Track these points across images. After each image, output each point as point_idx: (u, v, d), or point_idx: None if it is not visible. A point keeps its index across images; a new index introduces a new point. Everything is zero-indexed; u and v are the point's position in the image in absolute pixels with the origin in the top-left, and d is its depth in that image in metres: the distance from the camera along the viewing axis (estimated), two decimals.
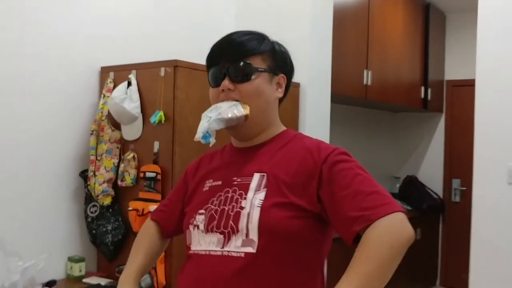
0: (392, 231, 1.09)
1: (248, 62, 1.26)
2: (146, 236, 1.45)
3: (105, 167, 2.49)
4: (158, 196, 2.37)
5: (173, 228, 1.42)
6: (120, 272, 2.36)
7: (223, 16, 3.33)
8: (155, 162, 2.41)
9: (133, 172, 2.46)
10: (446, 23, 5.32)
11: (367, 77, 4.03)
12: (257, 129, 1.30)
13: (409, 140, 5.58)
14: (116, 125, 2.54)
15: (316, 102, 3.19)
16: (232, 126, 1.26)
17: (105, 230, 2.52)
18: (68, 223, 2.58)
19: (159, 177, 2.38)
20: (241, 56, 1.26)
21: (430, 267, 5.33)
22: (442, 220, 5.34)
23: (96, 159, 2.51)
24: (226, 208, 1.23)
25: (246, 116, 1.25)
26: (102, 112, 2.54)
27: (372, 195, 1.14)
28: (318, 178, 1.20)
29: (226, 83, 1.26)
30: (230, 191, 1.26)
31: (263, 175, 1.23)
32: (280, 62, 1.33)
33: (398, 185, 5.31)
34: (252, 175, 1.25)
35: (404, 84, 4.69)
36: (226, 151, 1.40)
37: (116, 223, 2.52)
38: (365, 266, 1.07)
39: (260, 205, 1.19)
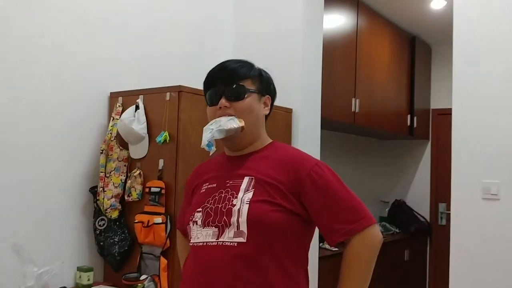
0: (367, 246, 1.43)
1: (241, 84, 1.52)
2: (181, 244, 1.78)
3: (113, 183, 2.70)
4: (162, 209, 2.57)
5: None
6: (127, 279, 2.57)
7: (222, 46, 3.60)
8: (159, 178, 2.63)
9: (139, 187, 2.68)
10: (432, 54, 5.65)
11: (355, 105, 4.29)
12: (250, 139, 1.55)
13: (397, 166, 5.83)
14: (124, 145, 2.76)
15: (308, 126, 3.43)
16: (230, 137, 1.50)
17: (112, 242, 2.71)
18: (77, 235, 2.77)
19: (163, 191, 2.59)
20: (235, 80, 1.52)
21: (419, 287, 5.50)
22: (429, 242, 5.55)
23: (105, 176, 2.72)
24: (220, 206, 1.45)
25: (242, 128, 1.49)
26: (111, 133, 2.77)
27: (351, 208, 1.44)
28: (301, 186, 1.44)
29: (223, 101, 1.51)
30: (223, 191, 1.49)
31: (252, 178, 1.47)
32: (266, 85, 1.60)
33: (387, 209, 5.53)
34: (242, 178, 1.48)
35: (391, 112, 4.95)
36: (218, 159, 1.64)
37: (123, 235, 2.72)
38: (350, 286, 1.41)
39: (248, 202, 1.42)
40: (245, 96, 1.52)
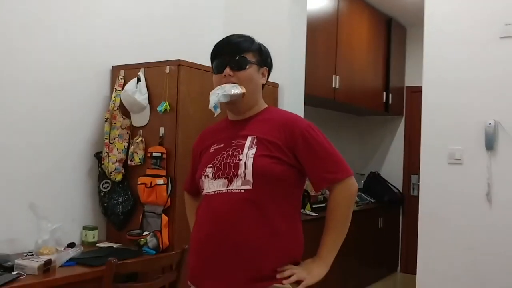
0: (347, 192, 1.73)
1: (243, 56, 1.75)
2: (189, 204, 2.08)
3: (117, 149, 2.96)
4: (163, 172, 2.85)
5: (199, 189, 1.89)
6: (131, 235, 2.84)
7: (213, 26, 3.85)
8: (160, 144, 2.90)
9: (141, 153, 2.94)
10: (407, 35, 5.97)
11: (335, 81, 4.60)
12: (250, 104, 1.79)
13: (373, 141, 6.19)
14: (126, 114, 3.01)
15: (293, 100, 3.72)
16: (233, 101, 1.74)
17: (116, 202, 2.98)
18: (83, 197, 3.03)
19: (164, 156, 2.85)
20: (238, 52, 1.76)
21: (392, 255, 5.91)
22: (402, 211, 5.94)
23: (110, 142, 2.98)
24: (228, 161, 1.71)
25: (243, 94, 1.73)
26: (114, 103, 3.01)
27: (335, 162, 1.73)
28: (295, 143, 1.71)
29: (227, 70, 1.74)
30: (230, 150, 1.74)
31: (254, 137, 1.72)
32: (264, 58, 1.84)
33: (363, 181, 5.89)
34: (246, 138, 1.73)
35: (368, 89, 5.27)
36: (222, 124, 1.89)
37: (126, 196, 2.98)
38: (333, 236, 1.72)
39: (252, 157, 1.68)
40: (247, 67, 1.75)
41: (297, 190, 1.79)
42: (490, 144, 2.90)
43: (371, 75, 5.31)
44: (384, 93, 5.55)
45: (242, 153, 1.69)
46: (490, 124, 2.89)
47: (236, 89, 1.72)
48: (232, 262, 1.64)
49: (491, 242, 2.88)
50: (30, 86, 2.75)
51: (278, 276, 1.64)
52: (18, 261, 2.29)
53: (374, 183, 5.81)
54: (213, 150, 1.80)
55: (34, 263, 2.27)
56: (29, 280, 2.19)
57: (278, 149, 1.70)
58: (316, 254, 1.72)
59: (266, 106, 1.88)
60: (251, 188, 1.65)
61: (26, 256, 2.40)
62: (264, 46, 1.87)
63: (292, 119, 1.80)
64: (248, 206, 1.65)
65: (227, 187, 1.68)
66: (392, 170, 6.01)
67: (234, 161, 1.69)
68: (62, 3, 2.89)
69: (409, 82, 5.94)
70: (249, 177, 1.66)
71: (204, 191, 1.77)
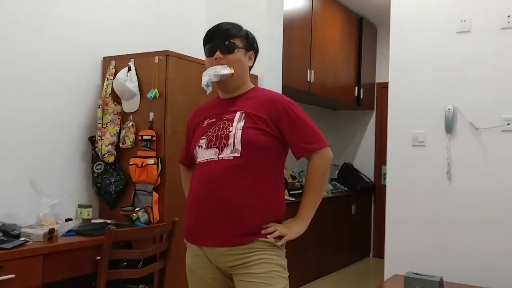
0: (323, 160, 1.95)
1: (232, 41, 1.96)
2: (184, 175, 2.28)
3: (109, 133, 3.19)
4: (153, 153, 3.09)
5: (193, 161, 2.08)
6: (124, 211, 3.07)
7: (195, 22, 4.12)
8: (150, 128, 3.14)
9: (132, 136, 3.18)
10: (377, 34, 6.33)
11: (310, 75, 4.90)
12: (237, 84, 2.00)
13: (346, 134, 6.53)
14: (117, 101, 3.25)
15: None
16: (222, 81, 1.95)
17: (109, 182, 3.21)
18: (78, 177, 3.26)
19: (154, 139, 3.10)
20: (228, 37, 1.96)
21: (365, 240, 6.24)
22: (374, 200, 6.29)
23: (102, 127, 3.21)
24: (219, 133, 1.91)
25: (232, 74, 1.94)
26: (106, 91, 3.24)
27: (313, 134, 1.96)
28: (278, 117, 1.95)
29: (218, 53, 1.94)
30: (221, 123, 1.94)
31: (242, 112, 1.93)
32: (251, 43, 2.04)
33: (337, 172, 6.22)
34: (235, 113, 1.94)
35: (341, 83, 5.60)
36: (214, 102, 2.10)
37: (118, 176, 3.22)
38: (310, 198, 1.95)
39: (241, 128, 1.88)
40: (235, 50, 1.95)
41: (280, 159, 2.02)
42: (449, 127, 3.23)
43: (343, 71, 5.63)
44: (356, 88, 5.89)
45: (232, 126, 1.91)
46: (449, 109, 3.22)
47: (225, 70, 1.93)
48: (222, 219, 1.87)
49: (452, 213, 3.21)
50: (29, 76, 2.97)
51: (262, 231, 1.89)
52: (24, 229, 2.52)
53: (347, 173, 6.14)
54: (205, 124, 2.01)
55: (40, 231, 2.50)
56: (35, 245, 2.42)
57: (263, 122, 1.93)
58: (296, 214, 1.97)
59: (253, 86, 2.09)
60: (239, 155, 1.88)
61: (30, 226, 2.62)
62: (251, 33, 2.07)
63: (276, 96, 2.04)
64: (236, 171, 1.88)
65: (218, 155, 1.89)
66: (364, 161, 6.36)
67: (225, 133, 1.90)
68: (59, 3, 3.13)
69: (379, 78, 6.29)
70: (238, 146, 1.88)
71: (198, 160, 2.00)
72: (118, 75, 3.19)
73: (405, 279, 2.73)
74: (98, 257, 2.55)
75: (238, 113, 1.94)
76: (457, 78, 3.24)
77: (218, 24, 2.03)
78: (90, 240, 2.65)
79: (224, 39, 1.96)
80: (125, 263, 2.71)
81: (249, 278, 1.84)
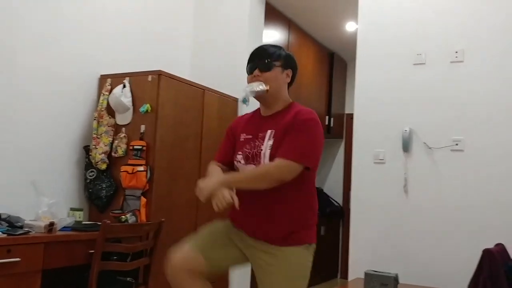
0: (277, 165, 1.98)
1: (269, 60, 2.13)
2: (215, 167, 2.24)
3: (103, 143, 3.52)
4: (143, 162, 3.42)
5: (227, 164, 2.24)
6: (114, 213, 3.37)
7: (184, 53, 4.54)
8: (141, 138, 3.49)
9: (124, 146, 3.51)
10: (347, 68, 6.86)
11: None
12: (274, 99, 2.15)
13: None
14: (112, 114, 3.59)
15: None
16: (260, 96, 2.12)
17: (101, 188, 3.51)
18: (71, 182, 3.55)
19: (144, 148, 3.44)
20: (266, 57, 2.14)
21: (333, 262, 6.58)
22: (342, 223, 6.66)
23: (97, 137, 3.53)
24: (254, 151, 2.09)
25: (267, 90, 2.10)
26: (102, 105, 3.59)
27: (298, 148, 1.99)
28: (292, 125, 2.03)
29: (256, 71, 2.13)
30: (256, 141, 2.11)
31: (272, 131, 2.08)
32: (288, 62, 2.20)
33: None
34: (266, 131, 2.09)
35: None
36: (256, 116, 2.23)
37: (109, 182, 3.52)
38: (242, 176, 2.05)
39: (270, 148, 2.05)
40: (272, 69, 2.13)
41: (302, 182, 2.06)
42: (406, 146, 3.66)
43: (315, 101, 6.08)
44: (327, 117, 6.34)
45: (263, 145, 2.08)
46: (406, 130, 3.66)
47: (261, 86, 2.09)
48: (259, 222, 2.09)
49: (409, 223, 3.60)
50: (32, 89, 3.30)
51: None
52: (27, 222, 2.81)
53: (317, 198, 6.50)
54: (243, 139, 2.17)
55: (41, 223, 2.79)
56: (37, 235, 2.71)
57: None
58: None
59: (291, 101, 2.21)
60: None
61: (31, 220, 2.90)
62: (289, 53, 2.24)
63: (302, 110, 2.10)
64: (263, 200, 2.06)
65: None
66: (333, 186, 6.76)
67: (258, 151, 2.08)
68: (58, 22, 3.50)
69: (348, 109, 6.77)
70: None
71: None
72: (114, 90, 3.55)
73: (365, 275, 3.10)
74: (92, 251, 2.84)
75: (268, 132, 2.10)
76: (413, 103, 3.70)
77: (261, 45, 2.23)
78: (85, 234, 2.94)
79: (263, 58, 2.15)
80: (115, 257, 3.00)
81: (270, 260, 2.06)
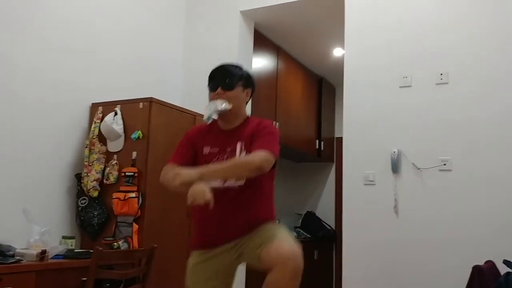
0: (252, 157, 2.08)
1: (231, 80, 2.27)
2: (175, 166, 2.21)
3: (95, 170, 3.54)
4: (135, 188, 3.44)
5: (188, 166, 2.20)
6: (106, 240, 3.36)
7: (176, 78, 4.60)
8: (133, 165, 3.51)
9: (115, 173, 3.53)
10: (336, 93, 6.95)
11: (276, 126, 5.37)
12: (235, 116, 2.28)
13: (308, 184, 6.97)
14: (103, 142, 3.62)
15: None
16: (222, 114, 2.23)
17: (92, 215, 3.51)
18: (62, 210, 3.56)
19: (136, 175, 3.47)
20: (228, 76, 2.27)
21: (326, 285, 6.54)
22: (335, 246, 6.66)
23: (89, 164, 3.55)
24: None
25: (230, 109, 2.22)
26: (93, 133, 3.62)
27: (270, 144, 2.14)
28: (257, 132, 2.19)
29: (219, 90, 2.24)
30: (226, 154, 2.20)
31: (241, 143, 2.20)
32: (248, 82, 2.35)
33: (300, 220, 6.59)
34: (236, 144, 2.21)
35: (303, 136, 6.10)
36: (215, 130, 2.30)
37: (101, 210, 3.53)
38: (219, 167, 2.09)
39: None
40: (234, 88, 2.26)
41: (271, 176, 2.30)
42: (395, 168, 3.71)
43: (305, 125, 6.15)
44: (317, 141, 6.40)
45: (235, 156, 2.19)
46: (394, 152, 3.72)
47: (224, 105, 2.22)
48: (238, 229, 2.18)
49: (399, 242, 3.62)
50: (23, 118, 3.34)
51: None
52: (18, 250, 2.80)
53: (310, 221, 6.52)
54: (207, 153, 2.26)
55: (33, 251, 2.79)
56: (29, 263, 2.70)
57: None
58: None
59: (247, 116, 2.37)
60: (243, 184, 2.16)
61: (23, 249, 2.90)
62: (249, 73, 2.39)
63: (264, 120, 2.32)
64: (244, 196, 2.19)
65: (223, 184, 2.16)
66: (325, 210, 6.77)
67: None
68: (50, 52, 3.55)
69: (338, 133, 6.84)
70: None
71: None
72: (106, 118, 3.59)
73: None
74: (84, 278, 2.83)
75: (238, 144, 2.22)
76: (401, 125, 3.76)
77: (222, 64, 2.35)
78: (77, 262, 2.94)
79: (225, 77, 2.28)
80: (108, 284, 2.99)
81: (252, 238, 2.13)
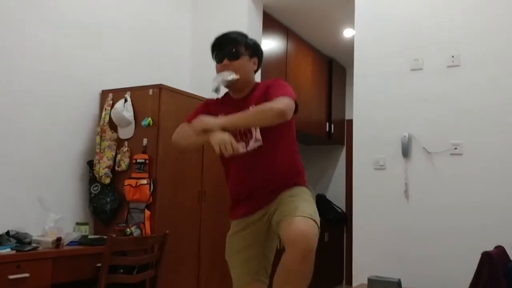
0: (274, 103, 2.02)
1: (237, 49, 2.21)
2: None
3: (107, 157, 3.57)
4: (146, 175, 3.47)
5: None
6: (119, 226, 3.41)
7: (184, 61, 4.60)
8: (144, 152, 3.54)
9: (127, 160, 3.56)
10: (346, 74, 6.91)
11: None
12: (243, 85, 2.23)
13: (319, 167, 6.98)
14: (114, 129, 3.65)
15: None
16: (230, 84, 2.20)
17: (105, 202, 3.56)
18: (76, 197, 3.61)
19: (147, 162, 3.49)
20: (234, 46, 2.21)
21: (337, 268, 6.60)
22: (345, 229, 6.69)
23: (100, 151, 3.59)
24: (241, 130, 2.14)
25: (237, 79, 2.17)
26: (104, 120, 3.65)
27: (285, 91, 2.10)
28: (269, 89, 2.15)
29: (225, 61, 2.19)
30: None
31: (253, 106, 2.13)
32: (255, 50, 2.29)
33: None
34: (249, 108, 2.12)
35: (314, 119, 6.09)
36: (228, 100, 2.30)
37: (113, 196, 3.57)
38: (242, 115, 2.04)
39: None
40: (240, 57, 2.20)
41: (291, 133, 2.28)
42: (405, 152, 3.70)
43: (315, 107, 6.12)
44: (327, 123, 6.38)
45: None
46: (405, 136, 3.70)
47: (231, 76, 2.17)
48: (264, 187, 2.19)
49: (410, 228, 3.63)
50: (37, 105, 3.37)
51: None
52: (35, 238, 2.86)
53: (320, 204, 6.52)
54: None
55: (49, 239, 2.84)
56: (45, 250, 2.75)
57: None
58: None
59: (256, 82, 2.32)
60: (261, 144, 2.17)
61: (39, 236, 2.95)
62: (254, 41, 2.32)
63: (270, 80, 2.28)
64: (261, 154, 2.18)
65: (246, 148, 2.17)
66: (336, 192, 6.79)
67: (247, 128, 2.16)
68: (60, 39, 3.56)
69: (348, 115, 6.82)
70: (259, 137, 2.16)
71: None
72: (116, 105, 3.60)
73: (368, 281, 3.13)
74: (99, 264, 2.89)
75: (251, 108, 2.15)
76: (411, 109, 3.74)
77: (226, 33, 2.29)
78: (91, 248, 2.99)
79: (231, 47, 2.22)
80: (121, 270, 3.04)
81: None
